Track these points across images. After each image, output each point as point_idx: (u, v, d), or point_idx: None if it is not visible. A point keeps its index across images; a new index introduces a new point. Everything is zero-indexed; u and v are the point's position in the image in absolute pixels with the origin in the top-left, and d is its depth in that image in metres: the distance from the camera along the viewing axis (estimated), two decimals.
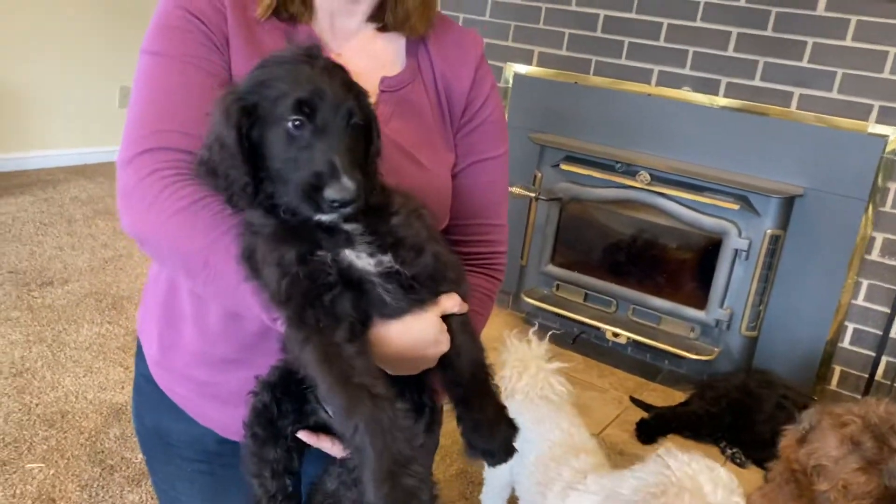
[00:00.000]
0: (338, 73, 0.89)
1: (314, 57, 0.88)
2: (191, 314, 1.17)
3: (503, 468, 1.70)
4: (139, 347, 1.32)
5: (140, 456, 1.97)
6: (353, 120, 0.86)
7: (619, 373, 2.89)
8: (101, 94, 4.56)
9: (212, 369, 1.18)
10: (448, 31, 1.27)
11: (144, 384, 1.29)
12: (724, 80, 2.71)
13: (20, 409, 2.12)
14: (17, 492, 1.80)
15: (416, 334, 0.93)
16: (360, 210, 0.85)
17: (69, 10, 4.38)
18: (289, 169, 0.83)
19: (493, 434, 0.95)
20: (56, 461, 1.93)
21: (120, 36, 4.47)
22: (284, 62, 0.87)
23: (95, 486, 1.86)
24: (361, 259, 0.87)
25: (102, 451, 1.99)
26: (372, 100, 1.18)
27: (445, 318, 0.96)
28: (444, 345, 0.95)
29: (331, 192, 0.80)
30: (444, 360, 0.97)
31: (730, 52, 2.68)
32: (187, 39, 1.08)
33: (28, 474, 1.87)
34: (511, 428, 0.97)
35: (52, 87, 4.41)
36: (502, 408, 0.98)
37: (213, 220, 0.97)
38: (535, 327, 1.85)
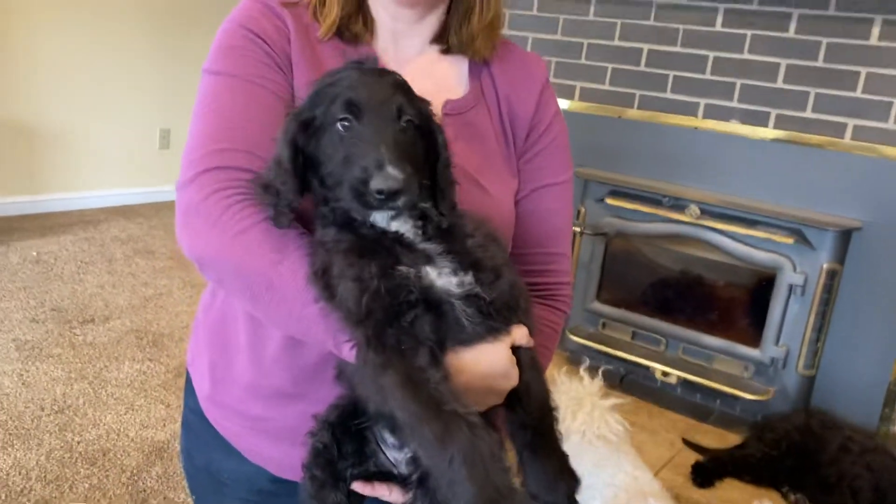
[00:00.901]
0: (389, 76, 0.87)
1: (362, 62, 0.88)
2: (245, 345, 1.13)
3: None
4: (188, 382, 1.28)
5: (182, 495, 1.92)
6: (404, 117, 0.84)
7: (669, 414, 2.79)
8: (141, 136, 4.63)
9: (266, 403, 1.13)
10: (511, 54, 1.24)
11: (194, 420, 1.25)
12: (774, 112, 2.65)
13: (62, 447, 2.08)
14: None
15: (488, 364, 0.87)
16: (413, 205, 0.82)
17: (112, 56, 4.47)
18: (341, 170, 0.81)
19: (557, 485, 0.88)
20: (98, 500, 1.89)
21: (160, 80, 4.55)
22: (336, 73, 0.87)
23: None
24: (443, 277, 0.82)
25: (144, 490, 1.94)
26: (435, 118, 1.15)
27: (514, 351, 0.90)
28: (514, 379, 0.90)
29: (376, 182, 0.76)
30: (513, 398, 0.90)
31: (779, 84, 2.63)
32: (250, 59, 1.06)
33: None
34: (574, 479, 0.90)
35: (95, 130, 4.49)
36: (565, 457, 0.91)
37: (278, 241, 0.93)
38: (586, 364, 1.79)
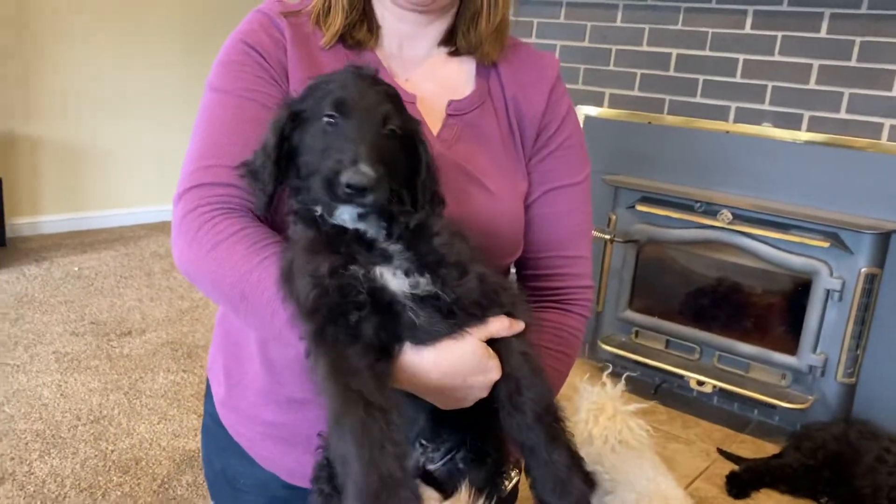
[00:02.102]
0: (382, 85, 0.88)
1: (361, 68, 0.89)
2: (257, 351, 1.14)
3: None
4: (208, 387, 1.30)
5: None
6: (389, 125, 0.84)
7: (704, 423, 2.73)
8: (177, 155, 4.71)
9: (278, 409, 1.14)
10: (521, 54, 1.23)
11: (212, 425, 1.26)
12: (807, 114, 2.60)
13: (96, 456, 2.12)
14: None
15: (453, 361, 0.86)
16: (379, 206, 0.82)
17: (148, 78, 4.58)
18: (317, 162, 0.82)
19: (566, 490, 0.85)
20: None
21: (195, 100, 4.64)
22: (334, 74, 0.89)
23: None
24: (397, 278, 0.82)
25: (174, 499, 1.97)
26: (438, 124, 1.15)
27: (497, 344, 0.88)
28: (493, 372, 0.87)
29: (346, 176, 0.77)
30: (503, 396, 0.88)
31: (811, 85, 2.58)
32: (245, 73, 1.08)
33: None
34: (588, 483, 0.87)
35: (134, 149, 4.60)
36: (578, 458, 0.88)
37: (247, 251, 0.95)
38: (610, 370, 1.76)
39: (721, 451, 2.53)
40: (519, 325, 0.88)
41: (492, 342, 0.88)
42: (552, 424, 0.86)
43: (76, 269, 3.70)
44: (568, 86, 3.38)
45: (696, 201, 2.67)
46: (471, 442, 0.95)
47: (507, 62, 1.21)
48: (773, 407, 2.62)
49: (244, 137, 1.01)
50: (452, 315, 0.85)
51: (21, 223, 4.16)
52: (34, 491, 1.94)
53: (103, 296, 3.36)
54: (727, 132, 2.73)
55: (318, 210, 0.84)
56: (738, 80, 2.71)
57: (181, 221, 1.01)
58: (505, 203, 1.15)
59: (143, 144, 4.63)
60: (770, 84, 2.66)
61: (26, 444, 2.15)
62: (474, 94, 1.17)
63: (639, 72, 2.93)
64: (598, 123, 3.00)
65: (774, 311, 2.71)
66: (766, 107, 2.68)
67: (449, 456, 0.96)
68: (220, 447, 1.23)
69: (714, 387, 2.71)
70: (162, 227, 4.60)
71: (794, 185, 2.59)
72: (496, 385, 0.88)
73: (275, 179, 0.87)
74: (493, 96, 1.20)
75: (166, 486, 2.02)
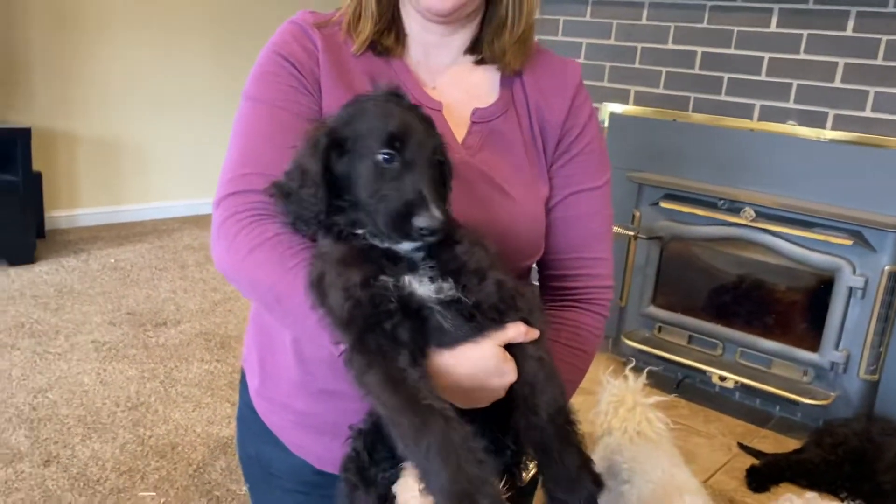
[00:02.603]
0: (422, 111, 0.93)
1: (400, 97, 0.93)
2: (290, 346, 1.20)
3: None
4: (242, 377, 1.36)
5: (244, 488, 2.01)
6: (437, 156, 0.90)
7: (726, 419, 2.77)
8: (213, 149, 4.82)
9: (309, 399, 1.20)
10: (545, 62, 1.27)
11: (248, 413, 1.33)
12: (832, 113, 2.61)
13: (134, 441, 2.21)
14: None
15: (473, 363, 0.91)
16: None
17: (183, 74, 4.69)
18: (378, 199, 0.86)
19: (575, 488, 0.90)
20: (167, 490, 2.00)
21: (230, 96, 4.74)
22: (373, 100, 0.92)
23: None
24: (423, 285, 0.87)
25: (209, 483, 2.05)
26: (463, 131, 1.20)
27: (514, 349, 0.93)
28: (509, 375, 0.92)
29: (421, 221, 0.83)
30: (519, 399, 0.93)
31: (836, 84, 2.59)
32: (279, 84, 1.13)
33: (141, 501, 1.94)
34: (596, 484, 0.92)
35: (169, 144, 4.71)
36: (587, 460, 0.93)
37: (281, 256, 1.01)
38: (632, 363, 1.80)
39: (742, 446, 2.56)
40: (534, 333, 0.93)
41: (509, 347, 0.93)
42: (564, 426, 0.91)
43: (113, 260, 3.81)
44: (593, 83, 3.43)
45: (720, 198, 2.69)
46: (490, 434, 0.99)
47: (531, 70, 1.25)
48: (795, 403, 2.64)
49: (278, 146, 1.06)
50: (473, 318, 0.90)
51: (59, 216, 4.29)
52: (77, 473, 2.03)
53: (139, 287, 3.47)
54: (752, 130, 2.75)
55: (360, 231, 0.89)
56: (763, 78, 2.73)
57: (220, 227, 1.07)
58: (526, 208, 1.20)
59: (177, 140, 4.74)
60: (795, 82, 2.67)
61: (69, 428, 2.25)
62: (498, 101, 1.21)
63: (664, 69, 2.95)
64: (623, 121, 3.03)
65: (797, 308, 2.73)
66: (790, 105, 2.69)
67: None
68: (255, 434, 1.29)
69: (736, 382, 2.73)
70: (195, 221, 4.70)
71: (818, 183, 2.60)
72: (512, 387, 0.93)
73: (325, 203, 0.90)
74: (516, 104, 1.24)
75: (201, 470, 2.10)
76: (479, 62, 1.23)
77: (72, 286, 3.41)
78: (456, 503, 0.76)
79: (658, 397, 1.62)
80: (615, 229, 2.88)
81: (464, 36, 1.20)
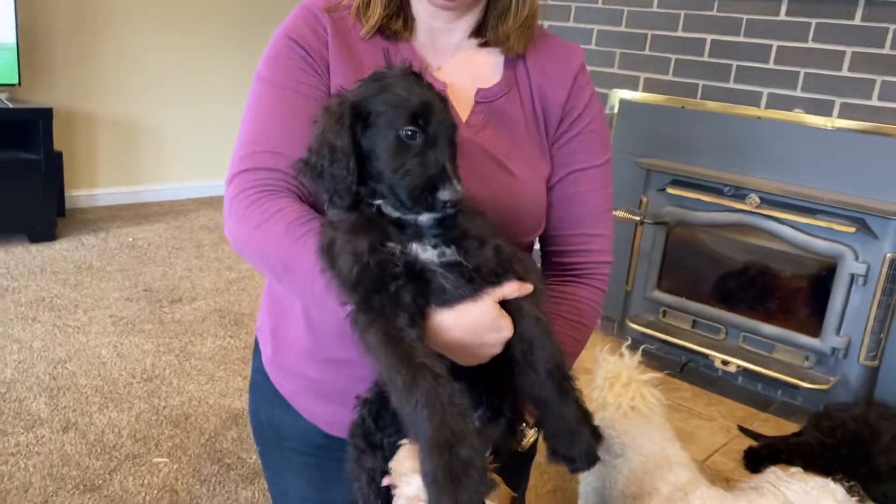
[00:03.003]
0: (437, 91, 0.97)
1: (418, 75, 0.97)
2: (301, 316, 1.26)
3: (596, 483, 1.71)
4: (256, 345, 1.43)
5: (254, 457, 2.09)
6: (454, 135, 0.95)
7: (728, 402, 2.81)
8: (228, 131, 4.88)
9: (320, 366, 1.26)
10: (548, 45, 1.32)
11: (260, 380, 1.39)
12: (839, 101, 2.63)
13: (149, 410, 2.30)
14: (146, 482, 1.95)
15: (472, 319, 0.96)
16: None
17: (200, 56, 4.76)
18: (402, 173, 0.91)
19: (575, 440, 0.96)
20: (179, 457, 2.08)
21: (245, 80, 4.81)
22: (393, 77, 0.96)
23: (213, 481, 1.99)
24: (427, 251, 0.93)
25: (220, 451, 2.13)
26: (467, 111, 1.26)
27: (512, 309, 0.98)
28: (505, 330, 0.97)
29: (445, 194, 0.89)
30: (518, 356, 0.98)
31: (844, 72, 2.61)
32: (290, 66, 1.19)
33: (155, 467, 2.02)
34: (595, 436, 0.98)
35: (185, 126, 4.79)
36: (586, 413, 0.98)
37: (288, 227, 1.06)
38: (628, 341, 1.85)
39: (741, 428, 2.60)
40: (528, 288, 0.98)
41: (507, 308, 0.98)
42: (562, 382, 0.97)
43: (130, 239, 3.90)
44: (604, 70, 3.46)
45: (726, 185, 2.73)
46: (487, 402, 1.04)
47: (535, 52, 1.29)
48: (796, 388, 2.68)
49: (287, 125, 1.13)
50: (472, 281, 0.95)
51: (79, 195, 4.39)
52: (94, 439, 2.12)
53: (156, 265, 3.55)
54: (759, 118, 2.78)
55: (373, 202, 0.94)
56: (771, 66, 2.76)
57: (231, 203, 1.13)
58: (527, 185, 1.25)
59: (192, 123, 4.81)
60: (803, 71, 2.69)
61: (87, 397, 2.33)
62: (501, 82, 1.26)
63: (673, 57, 2.98)
64: (632, 107, 3.06)
65: (799, 294, 2.77)
66: (798, 93, 2.72)
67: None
68: (267, 400, 1.36)
69: (738, 367, 2.77)
70: (210, 202, 4.79)
71: (823, 171, 2.63)
72: (511, 346, 0.98)
73: (355, 175, 0.93)
74: (519, 85, 1.29)
75: (213, 439, 2.18)
76: (483, 45, 1.28)
77: (91, 263, 3.50)
78: (437, 451, 0.82)
79: (652, 374, 1.67)
80: (622, 214, 2.93)
81: (469, 20, 1.25)
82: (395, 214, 0.94)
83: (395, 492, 0.99)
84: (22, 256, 3.49)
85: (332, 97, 1.02)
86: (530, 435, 1.22)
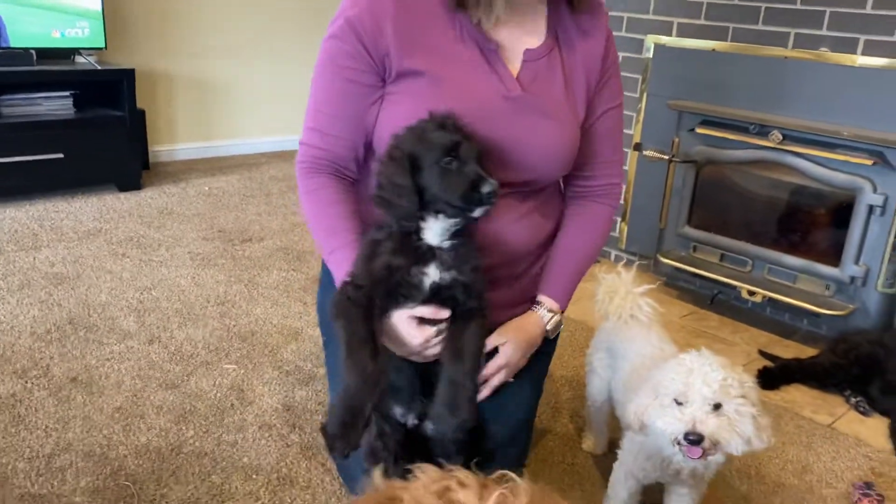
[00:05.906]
0: (463, 132, 1.31)
1: (445, 123, 1.30)
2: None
3: (600, 383, 1.93)
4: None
5: (309, 365, 2.40)
6: (479, 156, 1.30)
7: (753, 330, 2.97)
8: (297, 89, 5.20)
9: None
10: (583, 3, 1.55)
11: (327, 281, 1.70)
12: (863, 39, 2.71)
13: (221, 328, 2.63)
14: (216, 383, 2.28)
15: (392, 329, 1.36)
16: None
17: (269, 16, 5.05)
18: (450, 187, 1.26)
19: (446, 419, 1.32)
20: (246, 364, 2.40)
21: (315, 39, 5.08)
22: (429, 127, 1.30)
23: (274, 383, 2.31)
24: (430, 273, 1.34)
25: (281, 360, 2.44)
26: (517, 67, 1.51)
27: (461, 331, 1.35)
28: (415, 340, 1.35)
29: (486, 188, 1.24)
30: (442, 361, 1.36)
31: (868, 10, 2.69)
32: (345, 54, 1.45)
33: (225, 372, 2.35)
34: (468, 415, 1.31)
35: (257, 83, 5.12)
36: (465, 397, 1.31)
37: (319, 212, 1.48)
38: (624, 262, 2.05)
39: (761, 352, 2.76)
40: (443, 314, 1.34)
41: (458, 327, 1.35)
42: (455, 370, 1.34)
43: (207, 188, 4.27)
44: (639, 16, 3.61)
45: (751, 123, 2.86)
46: (422, 388, 1.45)
47: (574, 12, 1.55)
48: (817, 315, 2.82)
49: (333, 109, 1.49)
50: (453, 300, 1.34)
51: (161, 150, 4.79)
52: (174, 350, 2.46)
53: (229, 210, 3.91)
54: (785, 58, 2.88)
55: (412, 226, 1.31)
56: (797, 6, 2.84)
57: (297, 166, 1.54)
58: (569, 131, 1.55)
59: (265, 80, 5.14)
60: (828, 10, 2.77)
61: (168, 317, 2.69)
62: (544, 44, 1.52)
63: (705, 1, 3.09)
64: (666, 52, 3.19)
65: (820, 226, 2.89)
66: (823, 32, 2.80)
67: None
68: (331, 293, 1.67)
69: (764, 297, 2.93)
70: (280, 155, 5.13)
71: (846, 108, 2.72)
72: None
73: (417, 204, 1.28)
74: (560, 42, 1.55)
75: (275, 351, 2.50)
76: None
77: (172, 209, 3.88)
78: (340, 404, 1.25)
79: (647, 286, 1.87)
80: (651, 153, 3.09)
81: None
82: (429, 242, 1.31)
83: None
84: (112, 203, 3.90)
85: (391, 146, 1.32)
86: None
